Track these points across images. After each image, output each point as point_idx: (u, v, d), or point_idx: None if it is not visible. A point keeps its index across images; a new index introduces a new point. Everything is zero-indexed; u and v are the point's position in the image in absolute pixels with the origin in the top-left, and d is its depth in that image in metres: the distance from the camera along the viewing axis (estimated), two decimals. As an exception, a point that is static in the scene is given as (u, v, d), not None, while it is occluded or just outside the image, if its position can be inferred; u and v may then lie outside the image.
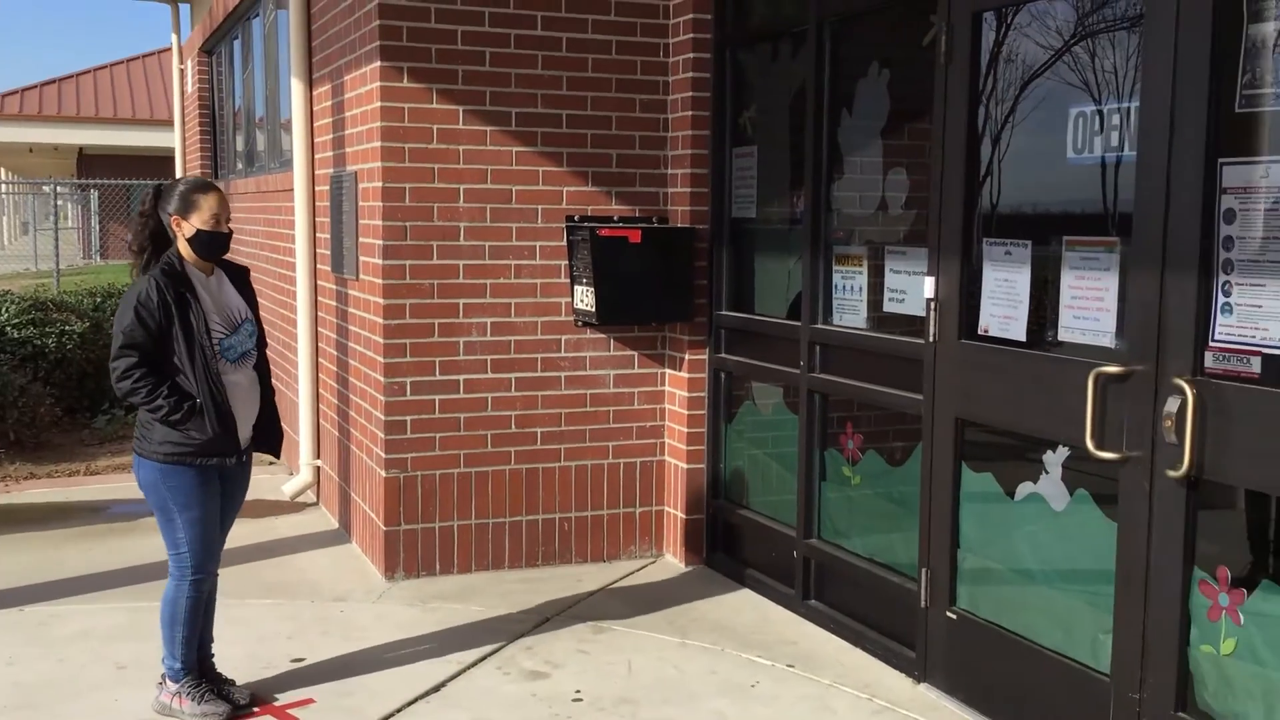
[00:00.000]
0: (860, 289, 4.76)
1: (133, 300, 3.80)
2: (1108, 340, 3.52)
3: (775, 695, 4.22)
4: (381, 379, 5.33)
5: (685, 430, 5.64)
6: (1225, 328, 3.14)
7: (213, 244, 3.92)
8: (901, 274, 4.50)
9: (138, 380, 3.78)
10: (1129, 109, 3.45)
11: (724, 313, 5.58)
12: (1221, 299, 3.15)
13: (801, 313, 4.97)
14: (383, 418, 5.34)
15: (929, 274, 4.18)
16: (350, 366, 5.94)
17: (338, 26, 5.90)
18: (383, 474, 5.37)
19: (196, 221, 3.87)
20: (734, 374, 5.59)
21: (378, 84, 5.21)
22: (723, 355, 5.58)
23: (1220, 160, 3.14)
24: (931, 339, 4.18)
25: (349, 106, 5.75)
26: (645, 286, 5.45)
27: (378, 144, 5.24)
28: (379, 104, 5.21)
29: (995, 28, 4.00)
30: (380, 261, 5.28)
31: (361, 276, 5.61)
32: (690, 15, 5.45)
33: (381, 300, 5.29)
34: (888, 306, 4.58)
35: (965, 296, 4.05)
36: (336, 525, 6.35)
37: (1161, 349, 3.29)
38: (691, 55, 5.47)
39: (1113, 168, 3.56)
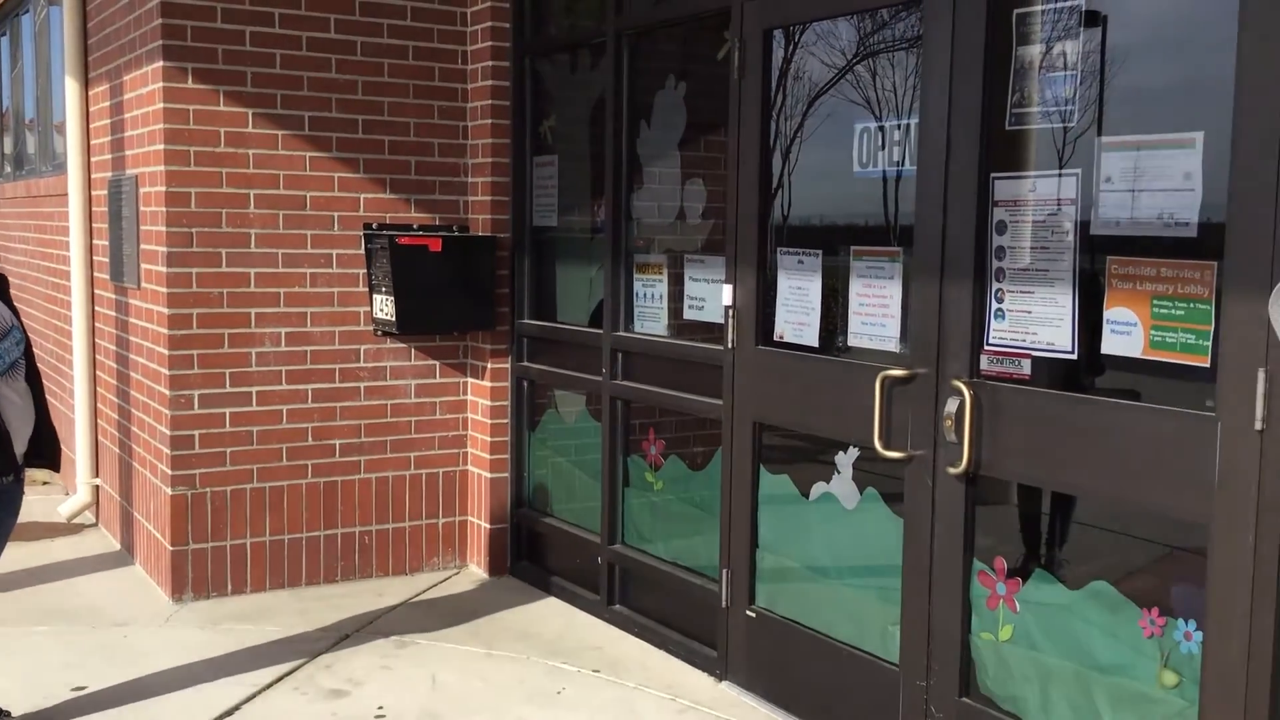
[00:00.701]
0: (661, 297, 4.84)
1: None
2: (893, 345, 3.70)
3: (581, 701, 4.24)
4: (167, 392, 5.09)
5: (488, 439, 5.60)
6: (998, 332, 3.35)
7: None
8: (701, 282, 4.60)
9: None
10: (909, 125, 3.63)
11: (526, 321, 5.58)
12: (995, 305, 3.36)
13: (603, 321, 5.02)
14: (168, 432, 5.10)
15: (727, 282, 4.28)
16: (132, 380, 5.65)
17: (116, 24, 5.62)
18: (169, 491, 5.13)
19: None
20: (537, 382, 5.59)
21: (160, 84, 4.98)
22: (525, 364, 5.57)
23: (992, 174, 3.34)
24: (730, 345, 4.29)
25: (129, 107, 5.48)
26: (446, 295, 5.39)
27: (161, 146, 5.01)
28: (162, 105, 4.98)
29: (785, 45, 4.14)
30: (164, 269, 5.05)
31: (144, 285, 5.35)
32: (489, 23, 5.43)
33: (166, 310, 5.06)
34: (688, 314, 4.68)
35: (761, 304, 4.18)
36: (119, 547, 6.03)
37: (941, 353, 3.48)
38: (490, 63, 5.45)
39: (894, 181, 3.75)
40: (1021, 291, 3.29)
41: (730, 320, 4.28)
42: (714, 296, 4.48)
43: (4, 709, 3.89)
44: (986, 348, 3.38)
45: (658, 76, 4.88)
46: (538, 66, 5.53)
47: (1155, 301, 2.96)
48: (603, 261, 5.04)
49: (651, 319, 4.88)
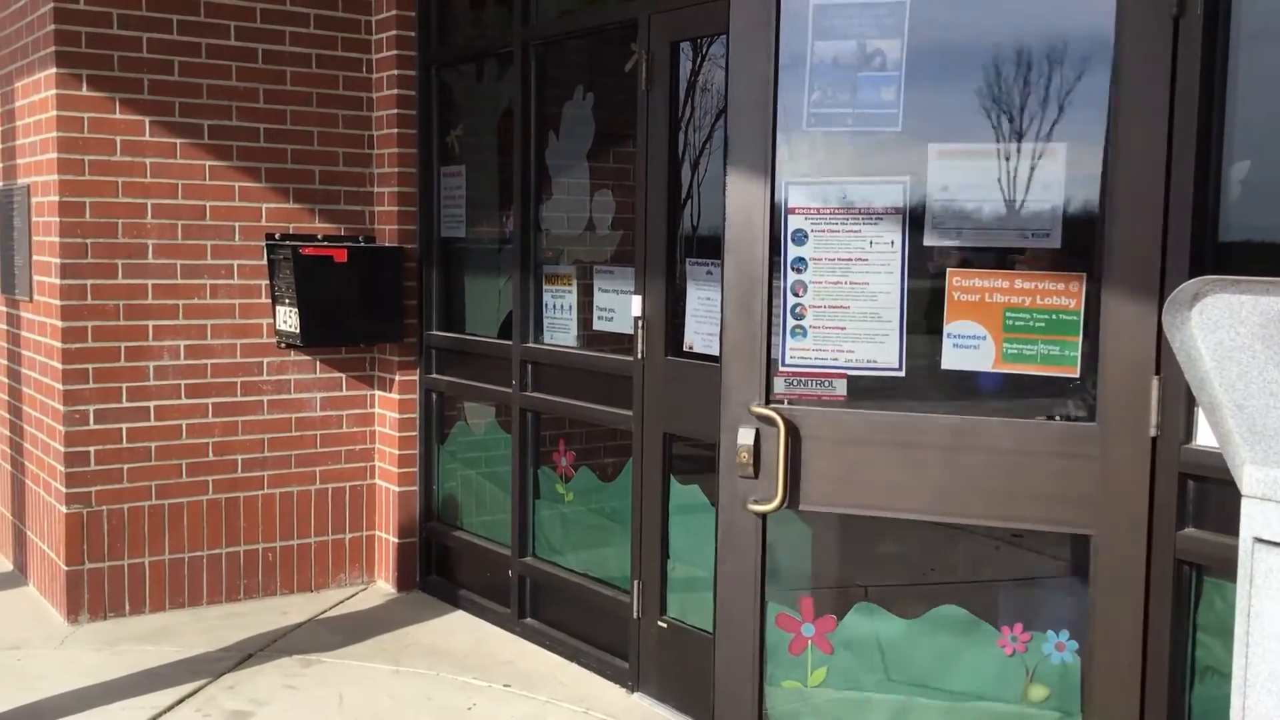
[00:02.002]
0: (570, 308, 4.83)
1: None
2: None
3: (491, 717, 4.20)
4: (60, 407, 4.93)
5: (396, 452, 5.53)
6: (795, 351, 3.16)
7: None
8: (610, 293, 4.60)
9: None
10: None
11: (435, 333, 5.52)
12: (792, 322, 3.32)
13: (513, 332, 4.99)
14: (62, 449, 4.94)
15: (636, 293, 4.29)
16: (24, 395, 5.47)
17: (8, 30, 5.44)
18: (63, 510, 4.97)
19: None
20: (446, 394, 5.54)
21: (53, 92, 4.84)
22: (434, 375, 5.51)
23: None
24: (640, 356, 4.29)
25: (20, 115, 5.31)
26: (352, 307, 5.32)
27: (54, 155, 4.86)
28: (55, 113, 4.84)
29: (693, 56, 4.17)
30: (57, 281, 4.90)
31: (36, 297, 5.18)
32: (394, 32, 5.38)
33: (60, 323, 4.91)
34: (598, 325, 4.67)
35: (671, 315, 4.19)
36: (11, 567, 5.82)
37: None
38: (396, 72, 5.39)
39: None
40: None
41: (640, 331, 4.28)
42: (623, 307, 4.48)
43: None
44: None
45: (566, 87, 4.88)
46: (444, 77, 5.49)
47: (1009, 314, 2.89)
48: (511, 272, 5.01)
49: (561, 330, 4.87)
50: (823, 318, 2.99)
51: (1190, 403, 2.73)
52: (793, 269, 3.00)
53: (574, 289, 4.84)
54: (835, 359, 2.99)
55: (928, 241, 2.95)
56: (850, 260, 2.97)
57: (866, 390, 3.00)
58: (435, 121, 5.48)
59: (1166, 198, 2.74)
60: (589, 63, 4.99)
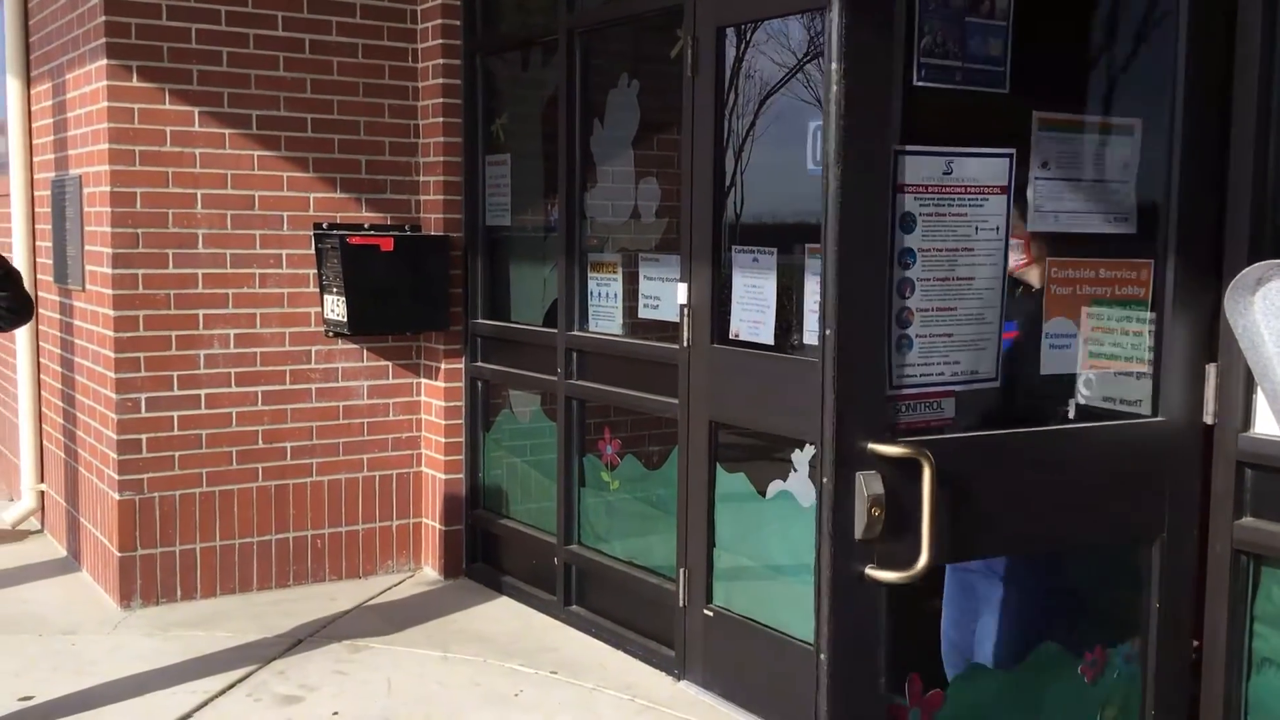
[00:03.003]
0: (615, 295, 4.82)
1: None
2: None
3: (538, 703, 4.22)
4: (113, 395, 5.00)
5: (442, 440, 5.55)
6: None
7: None
8: (655, 280, 4.59)
9: None
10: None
11: (480, 321, 5.54)
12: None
13: (558, 320, 4.99)
14: (115, 437, 5.01)
15: (682, 280, 4.27)
16: (77, 383, 5.55)
17: (59, 22, 5.51)
18: (116, 496, 5.04)
19: None
20: (491, 382, 5.55)
21: (104, 83, 4.89)
22: (479, 364, 5.53)
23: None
24: (685, 344, 4.28)
25: (72, 106, 5.38)
26: (398, 295, 5.34)
27: (105, 146, 4.92)
28: (106, 104, 4.89)
29: (738, 43, 4.14)
30: (109, 271, 4.96)
31: (89, 287, 5.25)
32: (439, 21, 5.39)
33: (112, 312, 4.97)
34: (643, 313, 4.66)
35: (716, 302, 4.17)
36: (65, 553, 5.92)
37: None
38: (441, 61, 5.40)
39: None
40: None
41: (685, 319, 4.27)
42: (669, 295, 4.47)
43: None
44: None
45: (611, 75, 4.86)
46: (489, 65, 5.50)
47: (1093, 306, 2.69)
48: (557, 260, 5.01)
49: (606, 318, 4.87)
50: (930, 323, 2.49)
51: (1248, 390, 2.68)
52: (900, 264, 2.44)
53: (619, 277, 4.83)
54: (942, 373, 2.51)
55: (1029, 227, 2.65)
56: (957, 251, 2.52)
57: (963, 408, 2.57)
58: (480, 110, 5.48)
59: (1224, 181, 2.69)
60: (634, 49, 4.97)
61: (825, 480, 2.26)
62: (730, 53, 4.14)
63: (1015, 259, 2.70)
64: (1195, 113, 2.71)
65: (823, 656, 2.34)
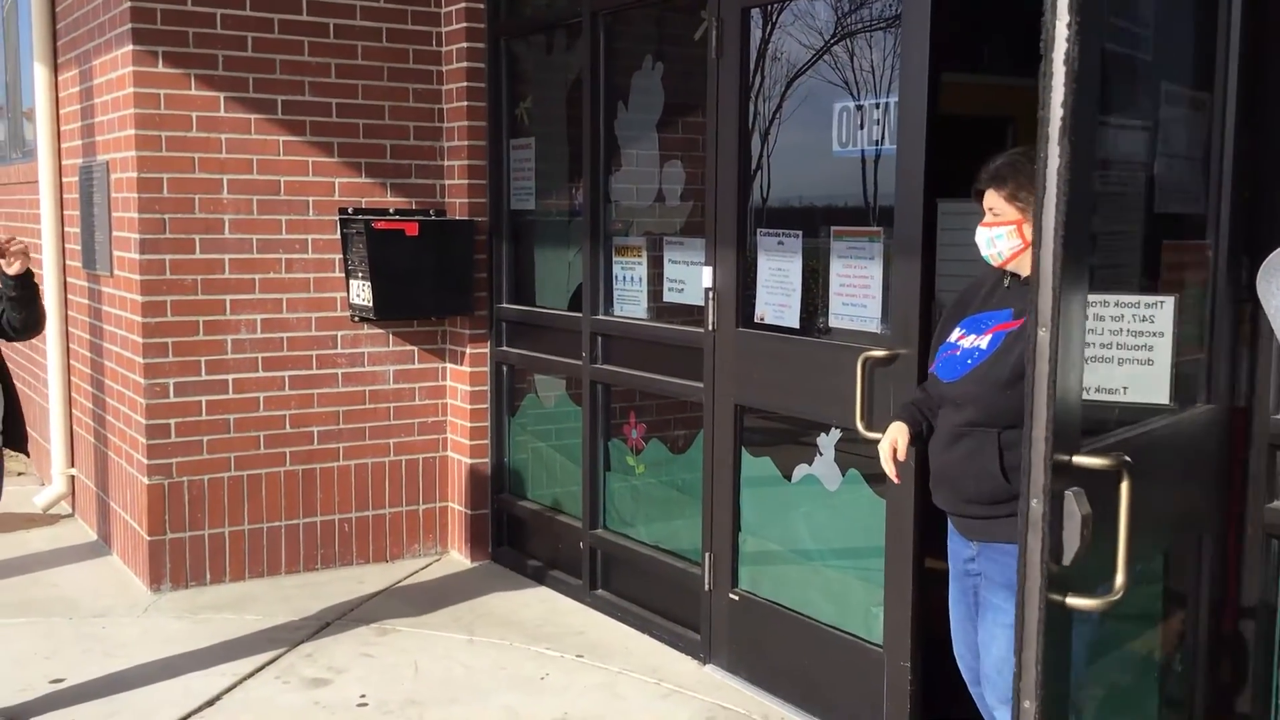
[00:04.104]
0: (640, 279, 4.81)
1: None
2: (874, 326, 3.68)
3: (565, 686, 4.23)
4: (141, 380, 5.03)
5: (468, 425, 5.57)
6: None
7: None
8: (680, 264, 4.58)
9: None
10: (890, 104, 3.61)
11: (505, 305, 5.54)
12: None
13: (583, 304, 4.99)
14: (144, 421, 5.05)
15: (707, 264, 4.26)
16: (106, 369, 5.59)
17: (85, 8, 5.53)
18: (145, 481, 5.07)
19: None
20: (516, 367, 5.56)
21: (131, 69, 4.91)
22: (504, 348, 5.54)
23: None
24: (711, 328, 4.26)
25: (99, 93, 5.40)
26: (423, 280, 5.35)
27: (132, 132, 4.94)
28: (132, 90, 4.91)
29: (763, 24, 4.11)
30: (137, 256, 4.99)
31: (116, 272, 5.28)
32: (463, 4, 5.37)
33: (139, 297, 5.00)
34: (668, 296, 4.65)
35: (742, 286, 4.16)
36: (95, 537, 5.97)
37: (924, 333, 3.46)
38: (465, 45, 5.39)
39: (874, 161, 3.72)
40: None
41: (710, 302, 4.25)
42: (694, 279, 4.45)
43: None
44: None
45: (635, 57, 4.84)
46: (513, 48, 5.48)
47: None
48: (581, 244, 5.00)
49: (631, 302, 4.86)
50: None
51: (1281, 372, 2.65)
52: None
53: (644, 260, 4.82)
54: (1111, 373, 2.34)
55: (1156, 208, 2.52)
56: (1119, 233, 2.37)
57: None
58: (505, 94, 5.47)
59: (1258, 162, 2.65)
60: (658, 32, 4.95)
61: (1034, 501, 1.99)
62: (755, 34, 4.11)
63: (1012, 245, 2.67)
64: (1252, 88, 2.63)
65: (1027, 704, 2.05)
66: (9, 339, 3.78)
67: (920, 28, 3.41)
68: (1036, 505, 1.98)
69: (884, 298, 3.64)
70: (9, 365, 3.89)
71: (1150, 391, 2.48)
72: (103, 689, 4.13)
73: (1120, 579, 2.06)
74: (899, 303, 3.55)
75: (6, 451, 3.89)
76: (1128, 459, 2.05)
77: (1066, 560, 2.00)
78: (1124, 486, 2.05)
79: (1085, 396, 2.11)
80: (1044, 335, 1.95)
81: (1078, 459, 2.02)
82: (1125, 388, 2.57)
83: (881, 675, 3.68)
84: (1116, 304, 2.51)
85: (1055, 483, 1.98)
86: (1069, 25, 1.88)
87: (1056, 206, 1.93)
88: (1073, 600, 2.04)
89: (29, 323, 3.78)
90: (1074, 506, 2.00)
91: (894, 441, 2.97)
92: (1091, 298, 2.20)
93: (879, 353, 3.57)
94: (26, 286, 3.70)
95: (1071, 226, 1.94)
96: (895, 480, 3.06)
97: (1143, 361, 2.51)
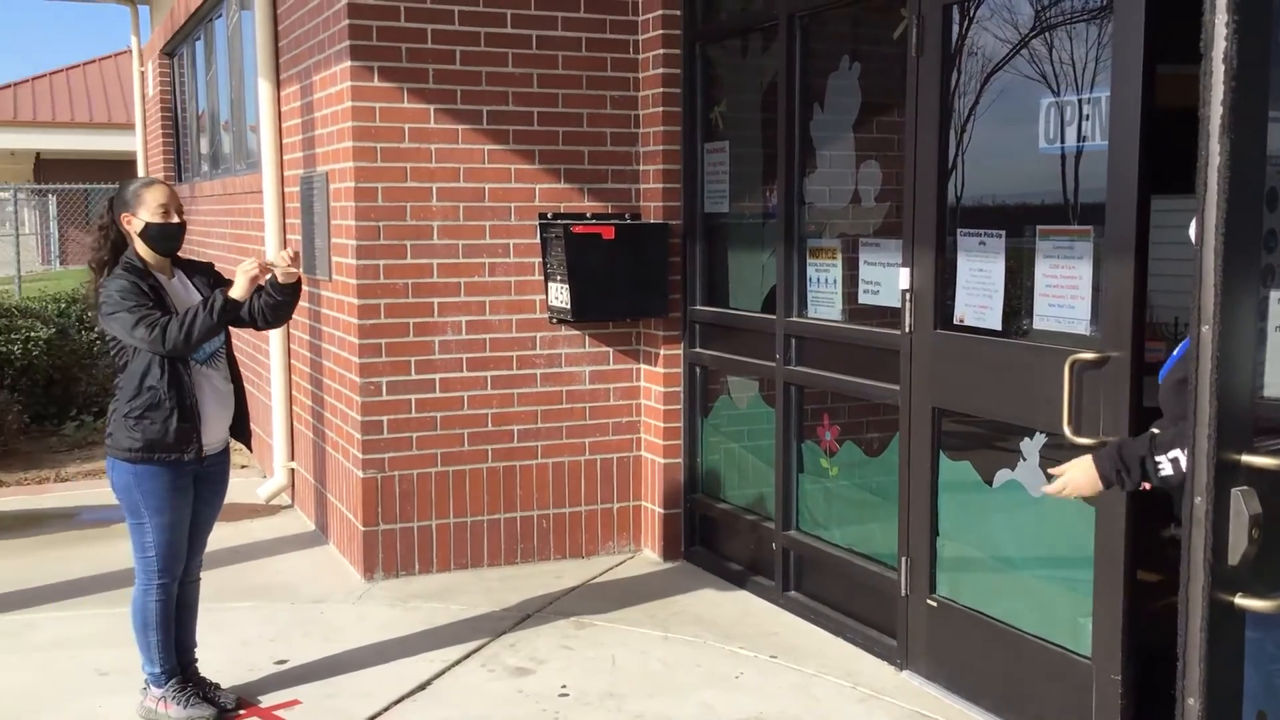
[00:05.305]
0: (835, 281, 4.79)
1: (115, 289, 3.73)
2: (1083, 328, 3.57)
3: (759, 685, 4.25)
4: (357, 379, 5.31)
5: (661, 425, 5.65)
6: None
7: (163, 235, 3.85)
8: (876, 266, 4.54)
9: (174, 319, 3.70)
10: (1101, 98, 3.50)
11: (698, 307, 5.60)
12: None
13: (776, 306, 5.00)
14: (359, 418, 5.32)
15: (904, 265, 4.21)
16: (324, 368, 5.92)
17: (305, 26, 5.87)
18: (360, 474, 5.35)
19: (145, 215, 3.82)
20: (709, 368, 5.61)
21: (348, 84, 5.19)
22: (698, 350, 5.60)
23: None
24: (907, 329, 4.22)
25: (319, 107, 5.73)
26: (619, 283, 5.46)
27: (349, 144, 5.22)
28: (350, 104, 5.19)
29: (962, 21, 4.04)
30: (354, 262, 5.26)
31: (334, 277, 5.59)
32: (659, 11, 5.47)
33: (356, 300, 5.28)
34: (862, 298, 4.62)
35: (940, 287, 4.10)
36: (313, 527, 6.33)
37: (1137, 335, 3.34)
38: (661, 51, 5.48)
39: (1084, 157, 3.62)
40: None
41: (908, 304, 4.21)
42: (889, 280, 4.41)
43: (213, 682, 4.13)
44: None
45: (831, 58, 4.83)
46: (708, 53, 5.54)
47: None
48: (775, 247, 5.02)
49: (825, 304, 4.84)
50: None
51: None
52: (1265, 248, 2.21)
53: (838, 262, 4.80)
54: None
55: None
56: None
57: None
58: (699, 98, 5.54)
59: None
60: (854, 31, 4.92)
61: (1198, 500, 2.00)
62: (958, 30, 4.05)
63: None
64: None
65: (1191, 701, 2.06)
66: (254, 328, 4.06)
67: (1135, 17, 3.30)
68: (1200, 503, 1.99)
69: (1093, 298, 3.53)
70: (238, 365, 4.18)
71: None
72: (322, 671, 4.38)
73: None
74: (1110, 304, 3.44)
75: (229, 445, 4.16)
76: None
77: (1233, 560, 1.98)
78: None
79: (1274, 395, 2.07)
80: (1206, 331, 1.97)
81: (1248, 458, 1.99)
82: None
83: (1090, 688, 3.57)
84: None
85: (1223, 481, 1.96)
86: (1227, 24, 1.92)
87: (1217, 204, 1.96)
88: (1243, 601, 2.01)
89: (280, 320, 4.05)
90: (1241, 505, 1.97)
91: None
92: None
93: (1088, 355, 3.46)
94: (295, 292, 3.97)
95: (1233, 223, 1.95)
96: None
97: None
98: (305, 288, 6.17)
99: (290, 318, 4.14)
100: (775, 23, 4.93)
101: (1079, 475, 2.92)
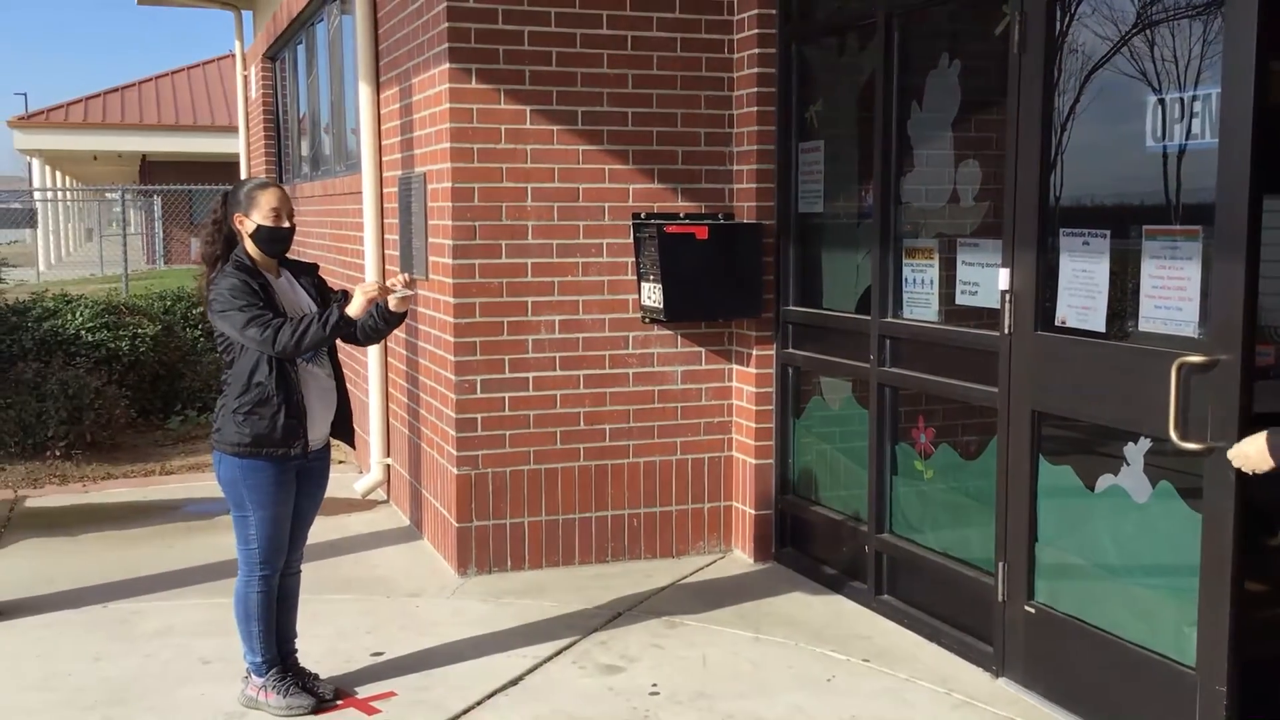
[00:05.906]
0: (931, 282, 4.73)
1: (226, 287, 3.83)
2: (1190, 330, 3.48)
3: (852, 689, 4.22)
4: (452, 377, 5.38)
5: (753, 426, 5.64)
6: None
7: (274, 239, 3.95)
8: (974, 266, 4.48)
9: (287, 324, 3.79)
10: (1210, 95, 3.40)
11: (791, 308, 5.58)
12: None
13: (871, 307, 4.95)
14: (454, 416, 5.40)
15: (1004, 265, 4.15)
16: (420, 366, 6.01)
17: (405, 30, 5.97)
18: (454, 471, 5.42)
19: (257, 217, 3.92)
20: (802, 369, 5.58)
21: (447, 85, 5.26)
22: (790, 350, 5.57)
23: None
24: (1007, 331, 4.15)
25: (417, 109, 5.82)
26: (712, 283, 5.45)
27: (447, 145, 5.30)
28: (448, 105, 5.26)
29: (1065, 17, 3.96)
30: (450, 261, 5.34)
31: (431, 276, 5.67)
32: (755, 11, 5.45)
33: (452, 300, 5.35)
34: (960, 299, 4.56)
35: (1041, 288, 4.02)
36: (408, 522, 6.43)
37: (1247, 338, 3.25)
38: (756, 51, 5.47)
39: (1192, 156, 3.52)
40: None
41: (1007, 305, 4.14)
42: (988, 281, 4.34)
43: (312, 672, 4.22)
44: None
45: (929, 56, 4.77)
46: (804, 52, 5.51)
47: None
48: (870, 247, 4.97)
49: (921, 305, 4.79)
50: None
51: None
52: None
53: (935, 262, 4.74)
54: None
55: None
56: None
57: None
58: (794, 98, 5.51)
59: None
60: (954, 29, 4.85)
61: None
62: (1062, 26, 3.97)
63: None
64: None
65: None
66: (353, 343, 4.14)
67: (1247, 12, 3.21)
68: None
69: (1201, 300, 3.43)
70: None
71: None
72: (416, 664, 4.45)
73: None
74: (1220, 305, 3.34)
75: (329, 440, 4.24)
76: None
77: None
78: None
79: None
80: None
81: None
82: None
83: (1194, 699, 3.47)
84: None
85: None
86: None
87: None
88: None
89: (374, 341, 4.17)
90: None
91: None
92: None
93: (1196, 358, 3.37)
94: (399, 321, 4.07)
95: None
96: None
97: None
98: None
99: (384, 338, 4.25)
100: (873, 21, 4.89)
101: (1251, 449, 2.86)
